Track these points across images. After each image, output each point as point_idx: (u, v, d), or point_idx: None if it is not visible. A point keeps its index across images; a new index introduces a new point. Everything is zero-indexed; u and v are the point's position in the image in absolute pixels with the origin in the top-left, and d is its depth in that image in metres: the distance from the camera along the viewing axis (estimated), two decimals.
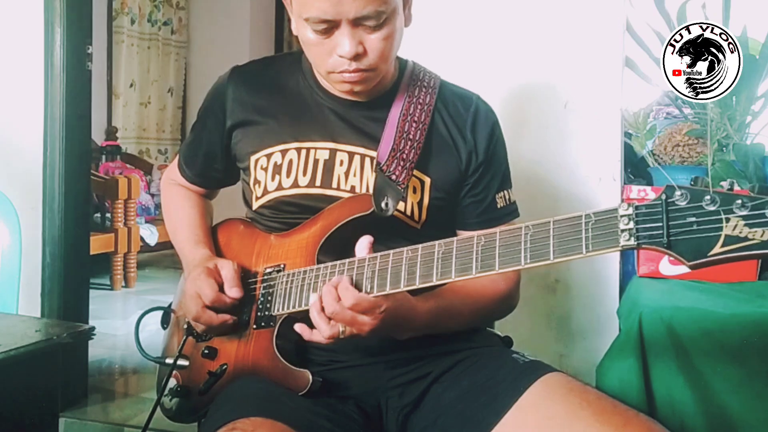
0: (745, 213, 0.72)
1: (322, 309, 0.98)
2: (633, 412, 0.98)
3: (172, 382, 1.18)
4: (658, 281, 1.59)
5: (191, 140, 1.32)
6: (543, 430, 0.98)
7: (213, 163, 1.28)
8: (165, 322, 1.29)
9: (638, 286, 1.58)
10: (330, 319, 0.98)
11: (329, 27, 1.05)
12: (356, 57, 1.06)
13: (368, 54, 1.07)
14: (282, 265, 1.12)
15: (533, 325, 1.84)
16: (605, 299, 1.82)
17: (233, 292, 1.10)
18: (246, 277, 1.16)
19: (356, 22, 1.04)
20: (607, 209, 0.81)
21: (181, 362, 1.17)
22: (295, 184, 1.14)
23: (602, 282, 1.83)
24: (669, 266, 1.57)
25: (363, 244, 1.01)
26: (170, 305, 1.30)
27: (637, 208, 0.79)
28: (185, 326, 1.19)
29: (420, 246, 0.96)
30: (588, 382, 1.08)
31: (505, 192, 1.20)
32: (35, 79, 2.37)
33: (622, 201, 1.74)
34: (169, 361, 1.18)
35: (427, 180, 1.14)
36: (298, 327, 1.02)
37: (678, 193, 0.76)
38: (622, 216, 0.79)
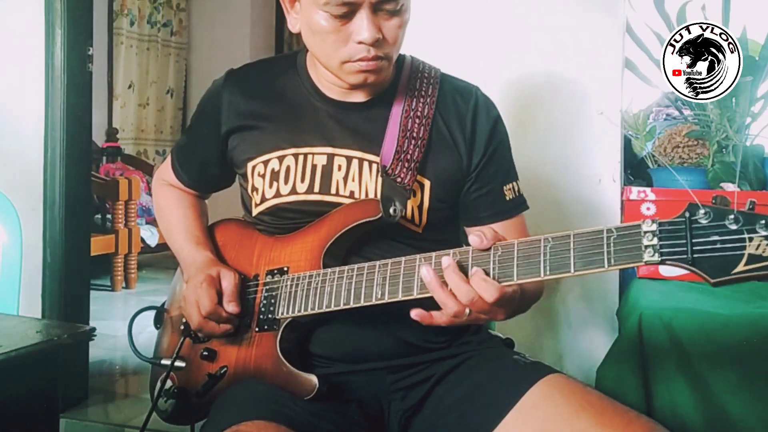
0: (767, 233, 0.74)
1: (444, 284, 0.91)
2: (634, 413, 0.98)
3: (168, 384, 1.17)
4: (658, 282, 1.59)
5: (186, 144, 1.31)
6: (544, 431, 0.98)
7: (209, 169, 1.27)
8: (158, 322, 1.28)
9: (638, 287, 1.58)
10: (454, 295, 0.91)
11: (349, 11, 1.03)
12: (376, 42, 1.05)
13: (387, 40, 1.06)
14: (286, 268, 1.12)
15: (534, 326, 1.84)
16: (605, 300, 1.83)
17: (230, 307, 1.09)
18: (247, 279, 1.15)
19: (377, 7, 1.04)
20: (629, 225, 0.82)
21: (178, 363, 1.17)
22: (294, 191, 1.13)
23: (602, 283, 1.83)
24: (669, 267, 1.57)
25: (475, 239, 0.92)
26: (163, 305, 1.29)
27: (660, 224, 0.79)
28: (182, 327, 1.18)
29: (434, 254, 0.95)
30: (589, 384, 1.07)
31: (513, 184, 1.19)
32: (36, 80, 2.37)
33: (622, 201, 1.75)
34: (165, 362, 1.18)
35: (427, 183, 1.13)
36: (416, 314, 0.93)
37: (701, 211, 0.77)
38: (646, 232, 0.80)
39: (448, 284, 0.91)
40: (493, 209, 1.17)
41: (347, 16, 1.04)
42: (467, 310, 0.90)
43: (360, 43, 1.05)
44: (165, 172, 1.34)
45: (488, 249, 0.91)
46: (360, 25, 1.04)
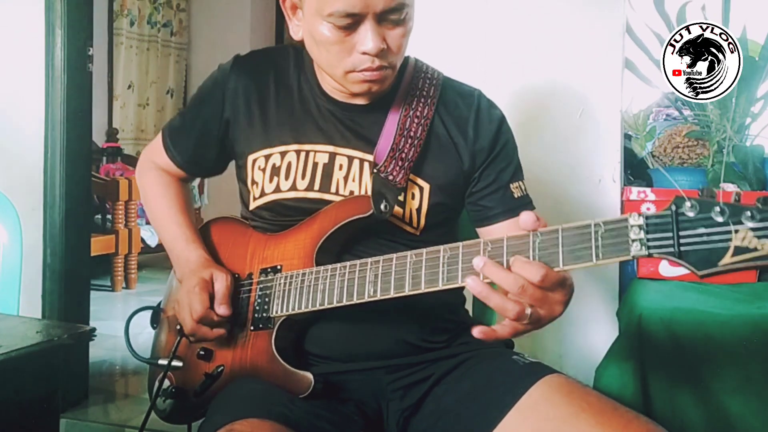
0: (753, 225, 0.74)
1: (494, 289, 0.86)
2: (633, 414, 0.98)
3: (165, 383, 1.17)
4: (658, 282, 1.59)
5: (181, 125, 1.27)
6: (543, 431, 0.98)
7: (205, 152, 1.25)
8: (154, 322, 1.28)
9: (638, 287, 1.58)
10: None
11: (352, 23, 1.02)
12: (380, 53, 1.04)
13: (391, 50, 1.06)
14: (279, 266, 1.11)
15: None
16: (605, 300, 1.83)
17: (221, 309, 1.08)
18: (240, 278, 1.15)
19: (381, 17, 1.03)
20: (616, 218, 0.81)
21: (175, 363, 1.16)
22: (294, 188, 1.13)
23: (602, 283, 1.83)
24: (668, 267, 1.58)
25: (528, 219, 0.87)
26: (159, 304, 1.29)
27: (647, 218, 0.79)
28: (178, 327, 1.18)
29: (424, 250, 0.95)
30: (588, 384, 1.07)
31: (520, 183, 1.18)
32: (36, 81, 2.37)
33: (622, 202, 1.75)
34: (162, 362, 1.17)
35: (426, 186, 1.12)
36: (479, 331, 0.88)
37: (687, 204, 0.77)
38: (633, 226, 0.79)
39: (491, 280, 0.86)
40: (502, 206, 1.16)
41: (351, 27, 1.03)
42: (528, 310, 0.85)
43: (364, 53, 1.04)
44: (154, 152, 1.30)
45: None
46: (364, 35, 1.03)
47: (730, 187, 1.67)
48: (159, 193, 1.29)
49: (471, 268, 0.88)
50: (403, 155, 1.11)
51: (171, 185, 1.29)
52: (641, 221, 0.79)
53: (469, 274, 0.88)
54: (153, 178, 1.30)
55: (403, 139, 1.12)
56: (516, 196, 1.17)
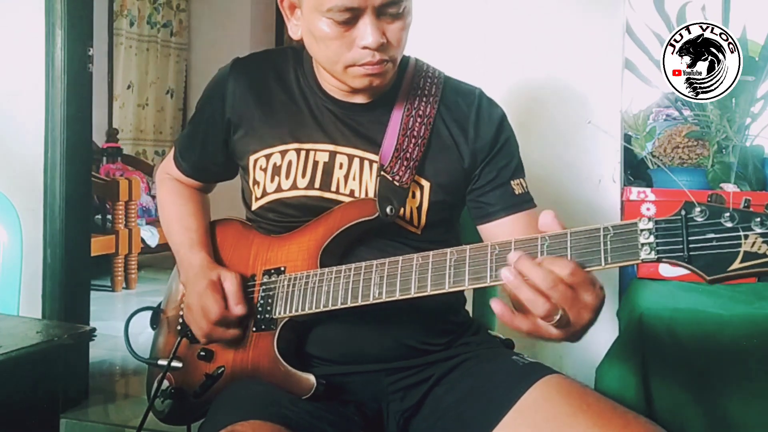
0: (763, 231, 0.74)
1: (527, 283, 0.83)
2: (633, 414, 0.98)
3: (164, 384, 1.17)
4: (658, 283, 1.59)
5: (188, 132, 1.29)
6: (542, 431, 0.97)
7: (210, 157, 1.25)
8: (154, 323, 1.28)
9: (638, 287, 1.58)
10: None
11: (351, 17, 1.03)
12: (380, 47, 1.04)
13: (391, 44, 1.06)
14: (282, 268, 1.11)
15: None
16: (605, 300, 1.82)
17: (238, 309, 1.09)
18: (243, 279, 1.14)
19: (380, 11, 1.03)
20: (626, 223, 0.82)
21: (174, 364, 1.16)
22: (294, 186, 1.13)
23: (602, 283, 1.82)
24: (669, 268, 1.57)
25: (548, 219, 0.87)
26: (159, 305, 1.29)
27: (657, 222, 0.80)
28: (178, 327, 1.18)
29: (431, 253, 0.95)
30: (587, 384, 1.07)
31: (521, 180, 1.18)
32: (36, 81, 2.37)
33: (622, 202, 1.75)
34: (162, 362, 1.17)
35: (426, 184, 1.13)
36: (497, 306, 0.84)
37: (697, 209, 0.78)
38: (642, 230, 0.80)
39: (524, 275, 0.82)
40: (503, 203, 1.16)
41: (350, 22, 1.03)
42: (558, 312, 0.82)
43: (364, 48, 1.04)
44: (168, 164, 1.33)
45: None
46: (364, 30, 1.03)
47: (730, 188, 1.67)
48: (171, 200, 1.30)
49: (478, 270, 0.89)
50: (408, 155, 1.11)
51: (185, 193, 1.30)
52: (651, 225, 0.80)
53: (502, 267, 0.85)
54: (168, 188, 1.32)
55: (406, 139, 1.12)
56: (517, 192, 1.17)
